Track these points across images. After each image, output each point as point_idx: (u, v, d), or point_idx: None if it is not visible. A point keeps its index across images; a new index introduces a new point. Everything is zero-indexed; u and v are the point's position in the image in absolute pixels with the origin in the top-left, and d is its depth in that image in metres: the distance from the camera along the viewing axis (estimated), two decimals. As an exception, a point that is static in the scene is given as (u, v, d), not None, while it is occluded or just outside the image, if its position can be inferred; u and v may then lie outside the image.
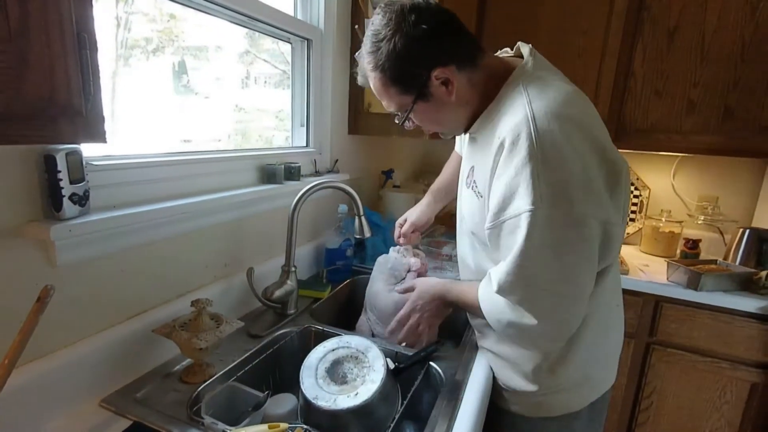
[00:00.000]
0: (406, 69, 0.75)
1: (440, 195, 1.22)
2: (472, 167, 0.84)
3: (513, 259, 0.69)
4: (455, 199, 1.02)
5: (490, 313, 0.78)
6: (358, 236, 1.18)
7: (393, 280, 1.11)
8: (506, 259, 0.71)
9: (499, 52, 0.91)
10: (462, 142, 1.09)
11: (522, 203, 0.66)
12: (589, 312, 0.79)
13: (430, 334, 0.99)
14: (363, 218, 1.16)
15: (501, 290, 0.73)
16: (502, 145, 0.69)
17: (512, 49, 0.87)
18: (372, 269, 1.18)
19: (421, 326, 0.96)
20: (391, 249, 1.17)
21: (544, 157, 0.65)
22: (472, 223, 0.85)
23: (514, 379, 0.89)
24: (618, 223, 0.71)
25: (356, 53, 0.83)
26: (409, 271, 1.12)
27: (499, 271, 0.73)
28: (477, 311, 0.81)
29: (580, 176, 0.66)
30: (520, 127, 0.67)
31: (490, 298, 0.77)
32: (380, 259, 1.17)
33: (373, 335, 1.09)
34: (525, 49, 0.81)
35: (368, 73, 0.80)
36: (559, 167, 0.65)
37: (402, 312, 0.98)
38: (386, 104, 0.83)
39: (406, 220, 1.22)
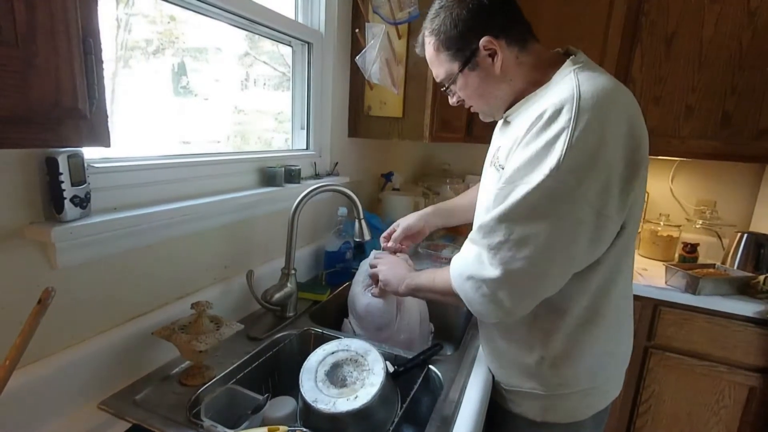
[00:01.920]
0: (459, 35, 0.79)
1: (442, 212, 1.20)
2: (499, 147, 0.85)
3: (502, 207, 0.71)
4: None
5: (454, 272, 0.80)
6: (357, 239, 1.18)
7: (368, 281, 1.13)
8: (495, 208, 0.73)
9: None
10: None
11: (539, 173, 0.67)
12: (602, 312, 0.80)
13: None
14: (363, 221, 1.16)
15: (477, 231, 0.75)
16: (541, 116, 0.70)
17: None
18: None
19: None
20: (372, 252, 1.16)
21: (578, 137, 0.66)
22: (487, 200, 0.84)
23: (514, 377, 0.88)
24: (614, 219, 0.71)
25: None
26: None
27: (483, 218, 0.75)
28: (438, 282, 0.84)
29: (601, 163, 0.67)
30: (564, 103, 0.68)
31: (460, 256, 0.80)
32: (363, 262, 1.19)
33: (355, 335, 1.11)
34: (573, 48, 0.84)
35: (425, 39, 0.86)
36: (585, 151, 0.66)
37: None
38: (436, 72, 0.88)
39: (399, 226, 1.17)
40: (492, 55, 0.79)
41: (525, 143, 0.71)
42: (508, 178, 0.72)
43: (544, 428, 0.88)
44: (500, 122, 0.92)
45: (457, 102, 0.90)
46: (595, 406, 0.88)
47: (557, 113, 0.68)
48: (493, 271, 0.72)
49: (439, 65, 0.86)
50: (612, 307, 0.82)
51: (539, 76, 0.80)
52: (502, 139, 0.86)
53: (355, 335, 1.10)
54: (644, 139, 0.73)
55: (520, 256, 0.70)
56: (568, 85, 0.72)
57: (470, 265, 0.76)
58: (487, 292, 0.74)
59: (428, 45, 0.85)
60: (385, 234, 1.18)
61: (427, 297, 1.03)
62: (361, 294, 1.12)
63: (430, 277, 0.91)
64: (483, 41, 0.78)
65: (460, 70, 0.82)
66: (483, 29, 0.78)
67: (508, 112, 0.85)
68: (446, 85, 0.88)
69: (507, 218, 0.71)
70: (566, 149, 0.66)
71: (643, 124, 0.75)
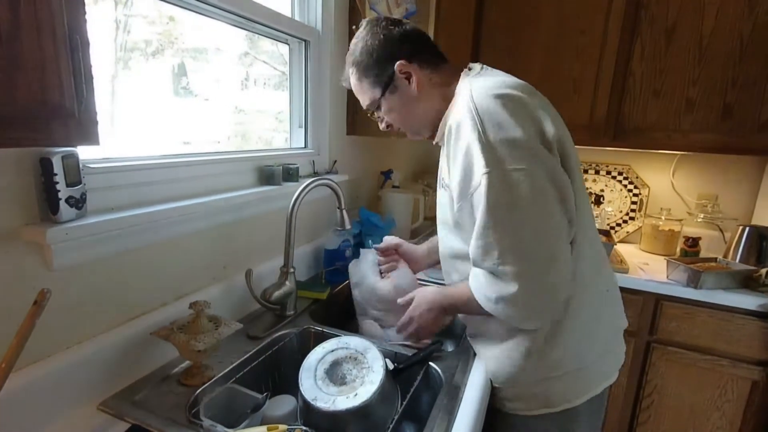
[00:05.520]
0: (375, 62, 0.88)
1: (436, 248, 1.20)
2: (441, 168, 0.90)
3: (479, 226, 0.75)
4: None
5: (479, 296, 0.80)
6: (339, 228, 1.20)
7: (377, 268, 1.17)
8: (474, 230, 0.76)
9: None
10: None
11: (478, 171, 0.72)
12: (575, 295, 0.82)
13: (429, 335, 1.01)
14: (344, 211, 1.20)
15: (476, 261, 0.78)
16: (449, 131, 0.78)
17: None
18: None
19: (420, 334, 0.99)
20: (368, 251, 1.20)
21: (486, 126, 0.72)
22: (444, 216, 0.92)
23: (505, 370, 0.88)
24: (561, 177, 0.75)
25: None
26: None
27: (471, 245, 0.77)
28: (473, 304, 0.82)
29: (521, 136, 0.72)
30: (463, 111, 0.76)
31: (475, 280, 0.81)
32: (351, 266, 1.21)
33: (382, 327, 1.12)
34: (476, 64, 0.90)
35: (349, 71, 0.94)
36: (501, 129, 0.72)
37: (403, 319, 0.99)
38: (362, 100, 0.95)
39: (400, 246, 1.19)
40: (408, 77, 0.87)
41: (453, 158, 0.78)
42: (458, 196, 0.78)
43: (540, 421, 0.88)
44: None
45: (387, 126, 0.96)
46: (589, 389, 0.88)
47: (461, 122, 0.75)
48: (512, 286, 0.73)
49: (363, 93, 0.94)
50: (583, 287, 0.83)
51: (450, 92, 0.87)
52: (442, 160, 0.90)
53: (382, 328, 1.11)
54: (546, 119, 0.77)
55: (522, 255, 0.73)
56: (465, 92, 0.79)
57: (490, 286, 0.77)
58: (521, 304, 0.75)
59: (352, 76, 0.93)
60: (382, 247, 1.19)
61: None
62: (379, 282, 1.14)
63: (462, 300, 0.88)
64: (398, 65, 0.86)
65: (382, 95, 0.90)
66: (395, 54, 0.87)
67: (437, 136, 0.91)
68: (372, 111, 0.95)
69: (487, 233, 0.74)
70: (483, 147, 0.71)
71: (540, 104, 0.80)
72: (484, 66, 0.89)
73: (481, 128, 0.72)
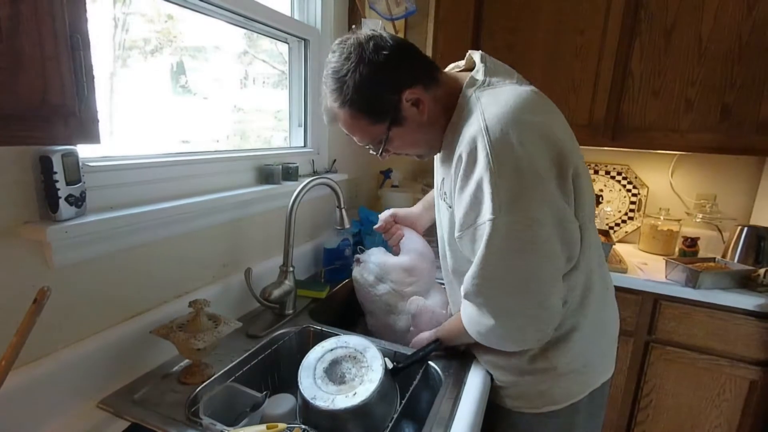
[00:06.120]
0: (376, 96, 0.75)
1: (430, 204, 1.21)
2: (443, 179, 0.86)
3: (476, 264, 0.73)
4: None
5: (471, 329, 0.81)
6: (338, 227, 1.21)
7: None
8: (472, 266, 0.74)
9: (451, 66, 0.94)
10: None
11: (485, 213, 0.69)
12: (585, 303, 0.83)
13: None
14: (344, 210, 1.20)
15: (467, 294, 0.77)
16: (460, 158, 0.72)
17: (464, 60, 0.89)
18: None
19: None
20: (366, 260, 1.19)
21: (500, 167, 0.67)
22: (448, 235, 0.88)
23: (508, 373, 0.89)
24: (570, 219, 0.74)
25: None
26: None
27: (465, 278, 0.76)
28: (466, 335, 0.84)
29: (534, 180, 0.69)
30: (476, 140, 0.70)
31: (467, 313, 0.81)
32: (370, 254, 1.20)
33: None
34: (476, 56, 0.83)
35: (336, 111, 0.79)
36: (514, 175, 0.68)
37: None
38: (359, 138, 0.83)
39: (396, 215, 1.20)
40: (415, 103, 0.76)
41: (460, 188, 0.73)
42: (460, 226, 0.75)
43: (541, 418, 0.89)
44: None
45: (387, 156, 0.86)
46: (590, 383, 0.89)
47: (474, 151, 0.69)
48: (503, 321, 0.75)
49: (362, 133, 0.81)
50: (593, 292, 0.84)
51: (452, 101, 0.79)
52: (442, 169, 0.87)
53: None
54: (564, 142, 0.74)
55: (514, 296, 0.73)
56: (474, 117, 0.72)
57: (481, 322, 0.77)
58: (511, 337, 0.77)
59: (344, 116, 0.79)
60: (381, 225, 1.19)
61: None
62: (392, 260, 1.14)
63: (457, 331, 0.88)
64: (405, 94, 0.75)
65: (388, 130, 0.78)
66: (399, 82, 0.75)
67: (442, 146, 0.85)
68: (376, 147, 0.83)
69: (487, 276, 0.73)
70: (495, 183, 0.67)
71: (557, 126, 0.76)
72: (487, 59, 0.81)
73: (495, 168, 0.67)
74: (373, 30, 0.78)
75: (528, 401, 0.89)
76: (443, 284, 1.05)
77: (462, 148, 0.71)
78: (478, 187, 0.69)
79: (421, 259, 1.14)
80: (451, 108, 0.79)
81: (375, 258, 1.16)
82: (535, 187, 0.69)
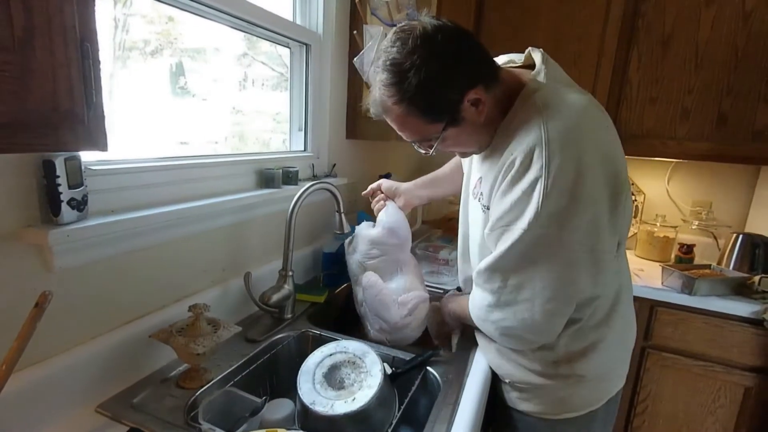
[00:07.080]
0: (439, 96, 0.70)
1: (426, 183, 1.22)
2: (480, 178, 0.84)
3: (492, 257, 0.75)
4: (451, 203, 1.05)
5: (473, 313, 0.85)
6: (337, 232, 1.21)
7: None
8: (489, 255, 0.76)
9: (504, 58, 0.89)
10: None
11: (522, 222, 0.69)
12: (614, 315, 0.84)
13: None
14: (343, 215, 1.21)
15: (478, 276, 0.80)
16: (513, 162, 0.70)
17: (522, 55, 0.86)
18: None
19: (433, 331, 1.04)
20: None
21: (553, 184, 0.66)
22: (480, 237, 0.85)
23: (524, 374, 0.87)
24: (608, 249, 0.73)
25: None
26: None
27: (481, 265, 0.78)
28: (468, 318, 0.87)
29: (583, 202, 0.67)
30: (534, 149, 0.67)
31: (472, 298, 0.84)
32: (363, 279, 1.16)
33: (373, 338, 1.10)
34: (537, 55, 0.79)
35: (389, 106, 0.73)
36: (564, 195, 0.66)
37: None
38: (408, 135, 0.78)
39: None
40: (475, 103, 0.72)
41: (502, 192, 0.72)
42: (492, 225, 0.75)
43: (561, 425, 0.88)
44: None
45: (433, 153, 0.82)
46: (609, 390, 0.90)
47: (528, 160, 0.67)
48: (501, 314, 0.77)
49: (413, 130, 0.76)
50: (621, 310, 0.85)
51: (510, 103, 0.76)
52: (482, 169, 0.84)
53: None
54: (621, 159, 0.74)
55: (521, 299, 0.74)
56: (534, 123, 0.69)
57: (482, 309, 0.81)
58: (505, 331, 0.80)
59: (399, 112, 0.73)
60: (368, 192, 1.23)
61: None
62: (366, 230, 1.14)
63: (464, 312, 0.92)
64: (469, 96, 0.70)
65: (444, 129, 0.74)
66: (464, 82, 0.70)
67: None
68: (425, 145, 0.80)
69: (499, 268, 0.75)
70: (542, 199, 0.66)
71: (615, 143, 0.75)
72: (548, 60, 0.78)
73: (547, 184, 0.65)
74: (438, 18, 0.71)
75: (546, 407, 0.88)
76: (428, 284, 1.10)
77: (517, 154, 0.69)
78: (524, 196, 0.68)
79: (389, 234, 1.11)
80: (507, 109, 0.76)
81: (358, 228, 1.18)
82: (582, 213, 0.67)
